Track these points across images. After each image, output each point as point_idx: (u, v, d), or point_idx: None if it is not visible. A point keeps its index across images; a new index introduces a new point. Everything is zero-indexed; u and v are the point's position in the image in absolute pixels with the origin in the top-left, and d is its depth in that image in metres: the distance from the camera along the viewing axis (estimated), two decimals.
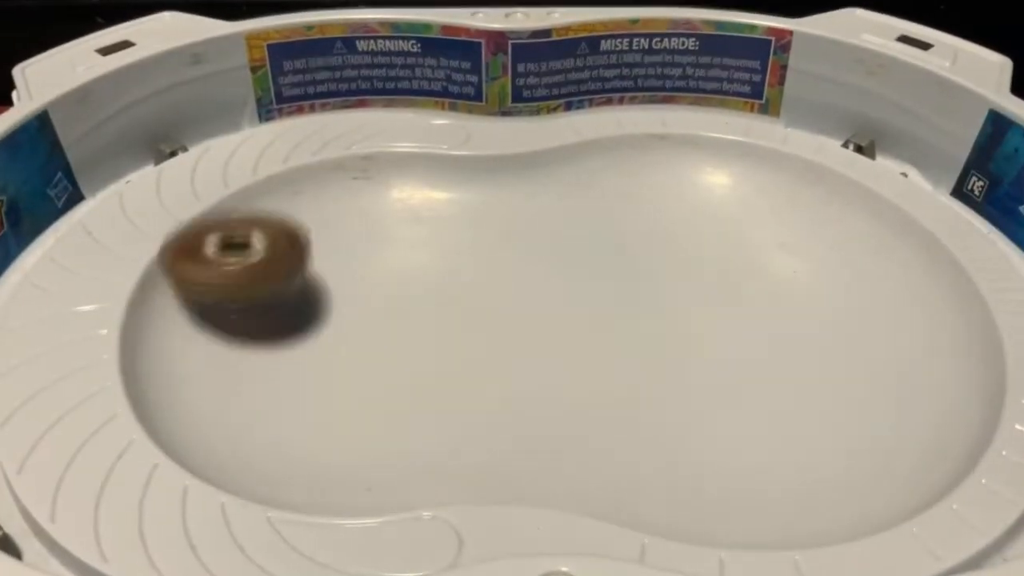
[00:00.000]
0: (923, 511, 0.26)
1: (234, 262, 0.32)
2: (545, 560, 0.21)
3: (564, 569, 0.21)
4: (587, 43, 0.41)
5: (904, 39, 0.39)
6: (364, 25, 0.41)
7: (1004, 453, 0.27)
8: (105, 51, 0.38)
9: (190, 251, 0.32)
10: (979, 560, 0.25)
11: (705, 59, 0.41)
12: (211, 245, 0.32)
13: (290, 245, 0.33)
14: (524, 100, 0.42)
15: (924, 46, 0.39)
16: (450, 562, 0.24)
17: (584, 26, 0.41)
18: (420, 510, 0.26)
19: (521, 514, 0.26)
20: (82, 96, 0.37)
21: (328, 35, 0.41)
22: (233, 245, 0.32)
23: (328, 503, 0.27)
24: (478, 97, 0.41)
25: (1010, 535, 0.25)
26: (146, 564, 0.24)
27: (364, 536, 0.25)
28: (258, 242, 0.32)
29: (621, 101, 0.43)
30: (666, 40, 0.41)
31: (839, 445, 0.30)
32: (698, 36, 0.41)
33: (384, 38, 0.41)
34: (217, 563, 0.24)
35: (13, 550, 0.25)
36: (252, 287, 0.32)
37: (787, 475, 0.30)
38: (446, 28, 0.40)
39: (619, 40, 0.41)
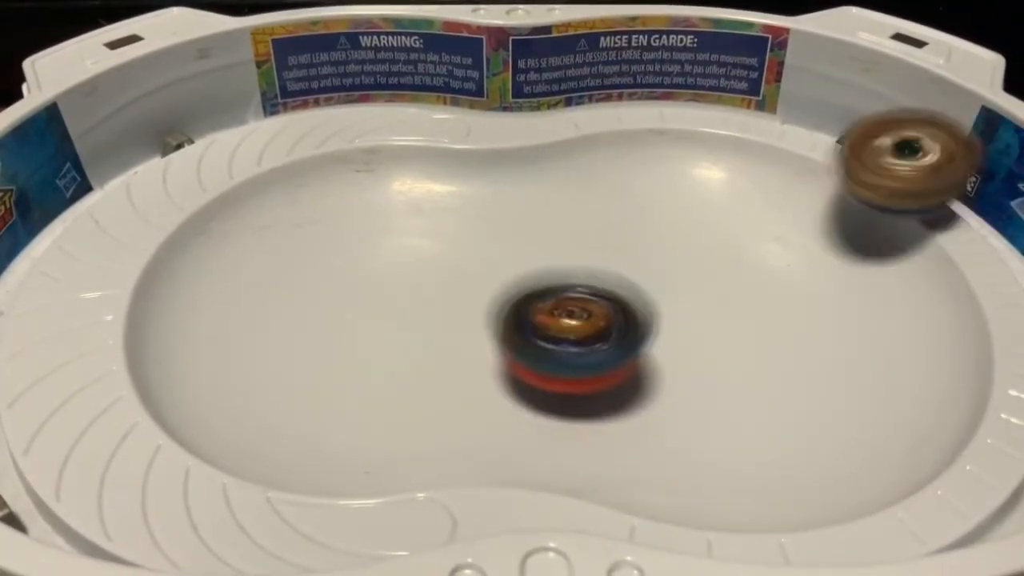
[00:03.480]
0: (909, 496, 0.26)
1: (906, 165, 0.33)
2: (533, 537, 0.22)
3: (552, 545, 0.22)
4: (587, 40, 0.41)
5: (899, 37, 0.40)
6: (367, 21, 0.41)
7: (989, 441, 0.28)
8: (113, 45, 0.39)
9: (862, 149, 0.33)
10: (962, 544, 0.25)
11: (703, 56, 0.42)
12: (884, 145, 0.33)
13: (965, 150, 0.33)
14: (525, 96, 0.42)
15: (918, 44, 0.39)
16: (444, 541, 0.25)
17: (584, 23, 0.41)
18: (416, 492, 0.26)
19: (513, 496, 0.26)
20: (90, 89, 0.37)
21: (332, 31, 0.41)
22: (905, 146, 0.33)
23: (327, 485, 0.28)
24: (479, 92, 0.42)
25: (993, 520, 0.26)
26: (148, 542, 0.25)
27: (362, 516, 0.26)
28: (930, 145, 0.33)
29: (620, 97, 0.43)
30: (665, 37, 0.42)
31: (829, 433, 0.31)
32: (696, 33, 0.42)
33: (387, 34, 0.41)
34: (218, 542, 0.25)
35: (19, 528, 0.26)
36: (923, 192, 0.33)
37: (777, 462, 0.30)
38: (448, 24, 0.41)
39: (618, 37, 0.42)
